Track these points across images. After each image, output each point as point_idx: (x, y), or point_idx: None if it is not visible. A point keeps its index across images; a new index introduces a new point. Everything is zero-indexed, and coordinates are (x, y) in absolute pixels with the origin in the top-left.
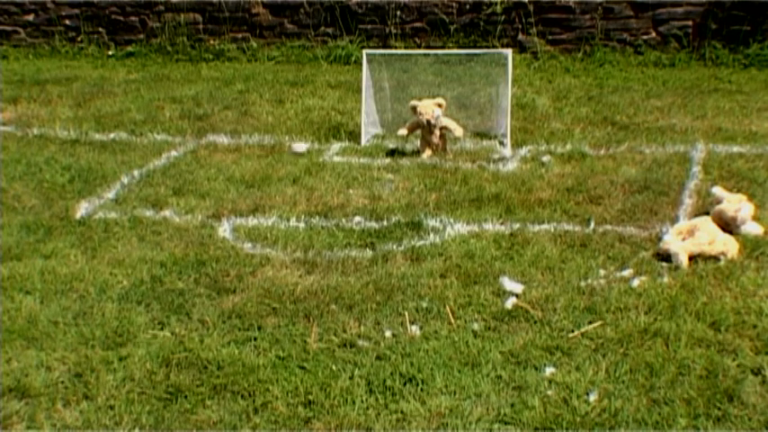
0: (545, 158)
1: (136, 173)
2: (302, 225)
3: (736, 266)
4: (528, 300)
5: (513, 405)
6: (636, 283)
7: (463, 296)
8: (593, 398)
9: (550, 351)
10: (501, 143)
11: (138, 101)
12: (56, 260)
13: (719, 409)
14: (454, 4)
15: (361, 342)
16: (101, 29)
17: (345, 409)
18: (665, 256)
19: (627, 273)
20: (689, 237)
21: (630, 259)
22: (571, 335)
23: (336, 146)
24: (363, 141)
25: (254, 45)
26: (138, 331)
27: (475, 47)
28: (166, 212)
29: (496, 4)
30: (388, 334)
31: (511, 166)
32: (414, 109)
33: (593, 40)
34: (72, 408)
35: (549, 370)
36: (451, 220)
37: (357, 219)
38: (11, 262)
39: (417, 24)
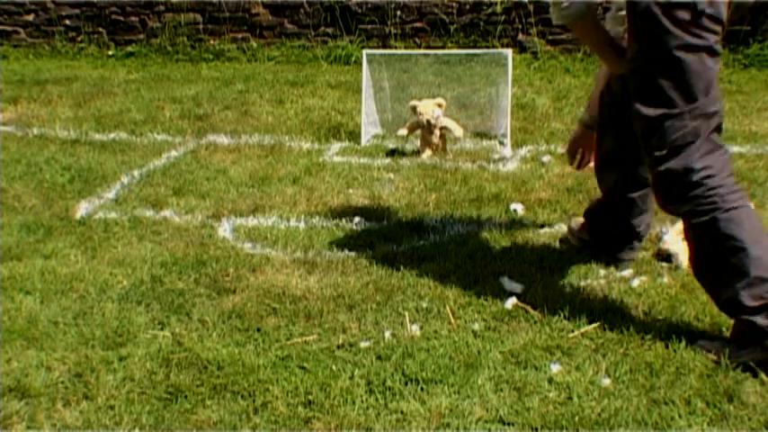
0: (545, 158)
1: (136, 173)
2: (302, 225)
3: None
4: (528, 300)
5: (513, 405)
6: (636, 283)
7: (463, 296)
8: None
9: (550, 351)
10: (501, 143)
11: (138, 101)
12: (56, 260)
13: (719, 409)
14: (454, 4)
15: (361, 342)
16: (101, 29)
17: (345, 409)
18: (665, 256)
19: (627, 273)
20: None
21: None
22: (571, 335)
23: (336, 146)
24: (363, 141)
25: (254, 45)
26: (138, 331)
27: (475, 47)
28: (166, 212)
29: (496, 4)
30: (387, 334)
31: (511, 166)
32: (414, 109)
33: None
34: (72, 408)
35: (555, 368)
36: (451, 220)
37: (357, 219)
38: (11, 262)
39: (417, 24)
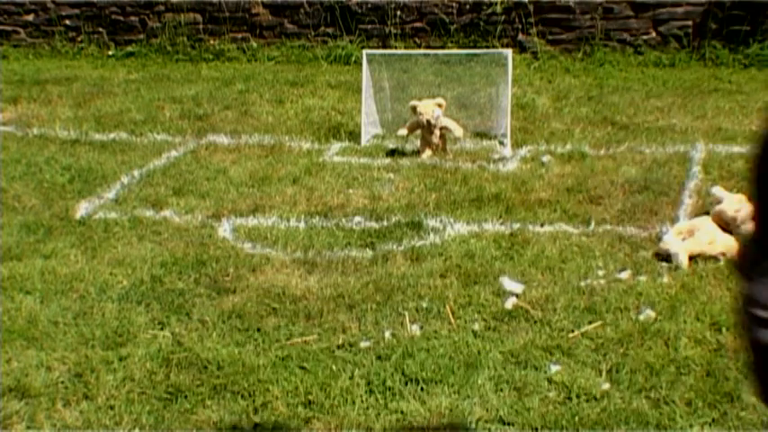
0: (545, 158)
1: (136, 173)
2: (302, 225)
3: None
4: (528, 300)
5: (513, 405)
6: (636, 282)
7: (463, 296)
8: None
9: (550, 351)
10: (501, 143)
11: (138, 101)
12: (56, 260)
13: (719, 409)
14: (454, 4)
15: (361, 342)
16: (101, 29)
17: (345, 409)
18: (665, 256)
19: (626, 273)
20: (689, 237)
21: (630, 259)
22: (571, 335)
23: (336, 146)
24: (363, 141)
25: (254, 45)
26: (138, 331)
27: (475, 47)
28: (166, 212)
29: (496, 4)
30: (387, 334)
31: (511, 166)
32: (414, 109)
33: (593, 40)
34: (72, 408)
35: (554, 368)
36: (451, 220)
37: (357, 219)
38: (11, 262)
39: (417, 24)
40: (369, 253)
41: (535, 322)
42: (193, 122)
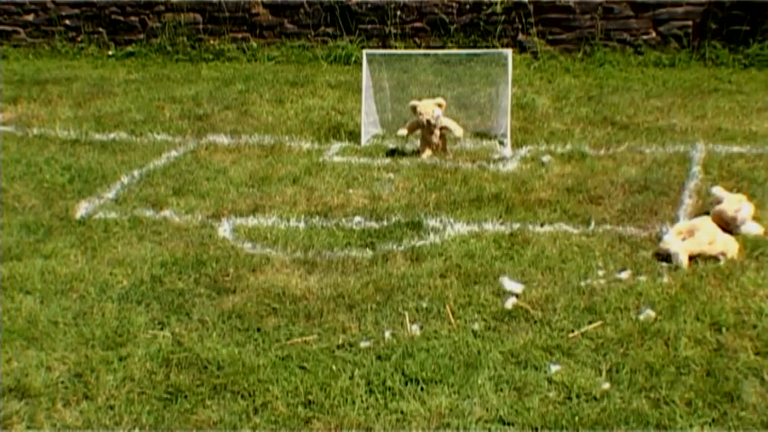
0: (545, 158)
1: (136, 173)
2: (302, 225)
3: (736, 266)
4: (528, 300)
5: (513, 405)
6: (636, 282)
7: (463, 296)
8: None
9: (550, 351)
10: (501, 143)
11: (138, 101)
12: (56, 260)
13: (719, 409)
14: (454, 4)
15: (361, 342)
16: (101, 29)
17: (345, 409)
18: (665, 256)
19: (627, 273)
20: (689, 237)
21: (630, 259)
22: (571, 335)
23: (336, 146)
24: (363, 141)
25: (254, 45)
26: (138, 331)
27: (475, 47)
28: (166, 212)
29: (496, 4)
30: (387, 334)
31: (511, 166)
32: (414, 109)
33: (593, 40)
34: (72, 408)
35: (554, 368)
36: (451, 220)
37: (357, 219)
38: (11, 262)
39: (417, 24)
40: (369, 253)
41: (535, 322)
42: (193, 122)
